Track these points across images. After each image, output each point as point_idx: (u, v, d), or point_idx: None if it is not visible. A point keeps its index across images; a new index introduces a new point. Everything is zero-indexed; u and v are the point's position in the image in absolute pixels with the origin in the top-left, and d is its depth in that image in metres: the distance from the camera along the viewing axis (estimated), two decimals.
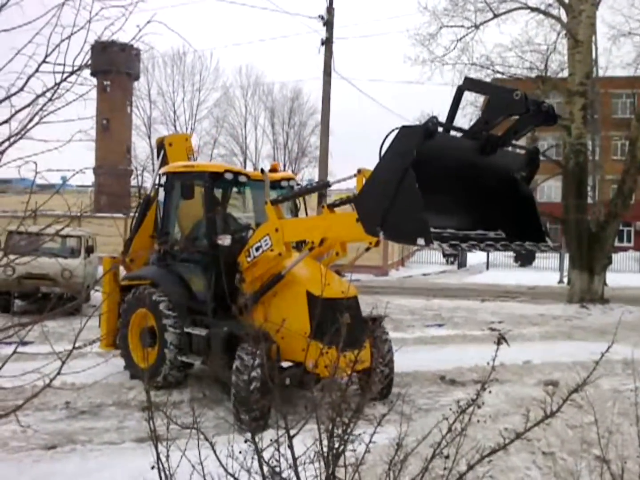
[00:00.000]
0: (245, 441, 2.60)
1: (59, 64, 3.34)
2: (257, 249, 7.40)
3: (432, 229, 5.42)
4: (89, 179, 48.46)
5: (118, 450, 6.25)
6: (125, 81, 46.44)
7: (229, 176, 8.17)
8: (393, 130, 5.45)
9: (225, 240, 7.78)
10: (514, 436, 3.18)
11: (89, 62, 3.41)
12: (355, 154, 56.03)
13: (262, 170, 7.98)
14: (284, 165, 52.84)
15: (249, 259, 7.52)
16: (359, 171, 6.58)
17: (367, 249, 7.10)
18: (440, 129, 5.53)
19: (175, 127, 48.50)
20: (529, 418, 3.24)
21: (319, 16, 23.29)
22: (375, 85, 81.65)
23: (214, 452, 2.71)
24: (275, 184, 8.60)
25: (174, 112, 50.11)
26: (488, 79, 21.81)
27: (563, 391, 3.37)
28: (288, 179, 9.11)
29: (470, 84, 6.38)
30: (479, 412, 4.91)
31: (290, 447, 2.57)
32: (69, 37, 3.33)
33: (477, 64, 20.64)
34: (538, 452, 4.62)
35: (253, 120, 54.68)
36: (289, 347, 7.00)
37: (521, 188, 6.49)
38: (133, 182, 47.43)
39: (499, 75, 21.40)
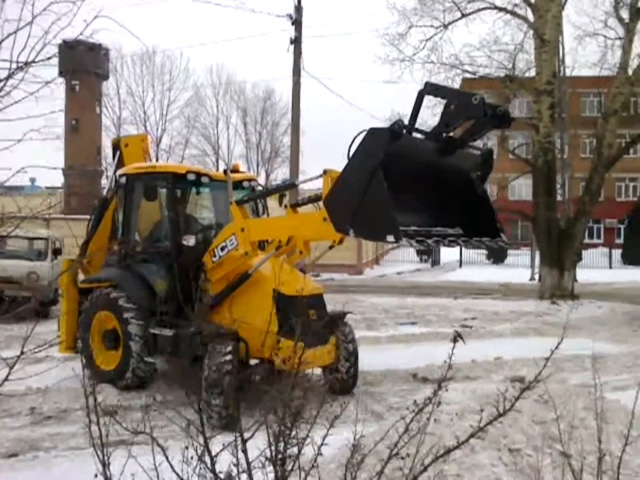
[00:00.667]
0: (186, 447, 2.52)
1: (5, 60, 3.23)
2: (222, 249, 7.33)
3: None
4: (59, 180, 47.84)
5: (83, 456, 6.08)
6: (93, 81, 45.82)
7: (191, 177, 8.08)
8: (361, 132, 5.63)
9: (189, 240, 7.70)
10: (479, 433, 3.15)
11: (37, 58, 3.29)
12: (328, 153, 56.03)
13: (225, 171, 7.92)
14: (257, 165, 52.66)
15: (214, 259, 7.44)
16: (325, 172, 6.60)
17: (331, 247, 7.15)
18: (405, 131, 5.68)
19: (145, 127, 48.12)
20: (489, 416, 3.21)
21: (288, 15, 23.22)
22: (347, 84, 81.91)
23: (166, 457, 2.63)
24: (237, 185, 8.55)
25: (144, 112, 49.74)
26: (457, 79, 21.92)
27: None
28: (249, 180, 9.11)
29: (431, 89, 6.49)
30: (446, 410, 4.92)
31: (244, 451, 2.51)
32: (15, 32, 3.22)
33: (446, 63, 20.65)
34: (504, 448, 4.61)
35: (225, 120, 54.48)
36: (256, 345, 6.95)
37: (477, 187, 6.72)
38: (104, 183, 46.87)
39: (467, 75, 21.51)
